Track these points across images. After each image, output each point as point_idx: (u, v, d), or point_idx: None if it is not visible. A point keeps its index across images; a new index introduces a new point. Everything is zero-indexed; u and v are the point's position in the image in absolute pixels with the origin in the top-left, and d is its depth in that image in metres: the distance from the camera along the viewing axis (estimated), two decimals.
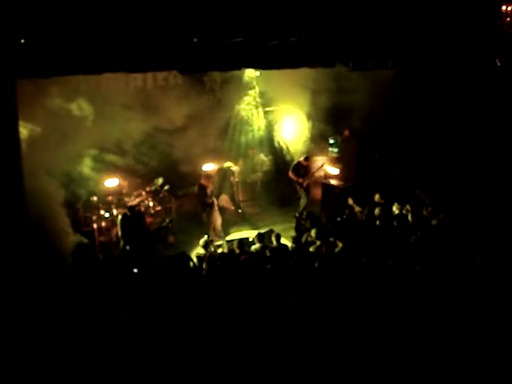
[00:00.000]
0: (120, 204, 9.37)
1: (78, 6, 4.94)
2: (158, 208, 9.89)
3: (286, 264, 5.91)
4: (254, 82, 11.86)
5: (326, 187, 11.15)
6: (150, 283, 5.79)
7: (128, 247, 8.19)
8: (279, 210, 11.27)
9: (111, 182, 9.40)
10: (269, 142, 12.47)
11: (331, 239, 6.72)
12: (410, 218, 7.56)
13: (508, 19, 7.19)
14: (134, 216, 8.28)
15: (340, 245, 6.54)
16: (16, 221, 5.84)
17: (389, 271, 5.53)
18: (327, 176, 11.25)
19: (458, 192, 8.88)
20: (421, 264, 5.67)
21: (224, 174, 10.73)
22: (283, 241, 7.48)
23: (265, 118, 12.34)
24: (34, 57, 5.48)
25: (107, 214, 9.18)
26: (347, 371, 4.28)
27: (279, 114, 12.36)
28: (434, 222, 7.29)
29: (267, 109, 12.30)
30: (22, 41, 5.23)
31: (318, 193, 11.50)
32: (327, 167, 11.16)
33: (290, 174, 10.70)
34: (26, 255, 5.86)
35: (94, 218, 9.09)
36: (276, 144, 12.51)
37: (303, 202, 10.61)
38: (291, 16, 6.03)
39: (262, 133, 12.37)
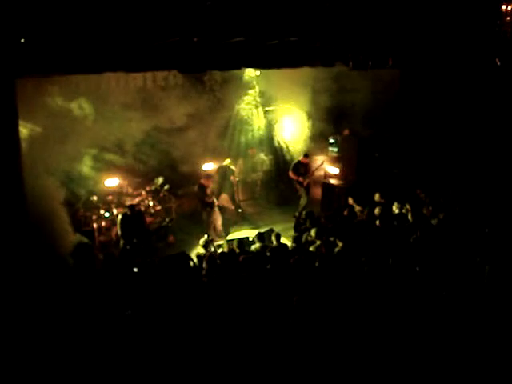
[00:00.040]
0: (120, 203, 9.37)
1: (78, 6, 4.94)
2: (158, 207, 9.90)
3: (285, 263, 5.91)
4: (254, 82, 11.86)
5: (326, 187, 11.15)
6: (150, 283, 5.79)
7: (128, 247, 8.20)
8: (279, 210, 11.29)
9: (111, 182, 9.40)
10: (269, 142, 12.49)
11: (331, 239, 6.71)
12: (409, 217, 7.56)
13: (508, 18, 7.18)
14: (134, 215, 8.29)
15: (340, 244, 6.53)
16: (16, 220, 5.85)
17: (389, 271, 5.53)
18: (327, 175, 11.23)
19: (457, 192, 8.88)
20: (421, 263, 5.67)
21: (224, 173, 10.72)
22: (283, 240, 7.49)
23: (265, 117, 12.35)
24: (33, 56, 5.47)
25: (107, 214, 9.18)
26: (347, 371, 4.28)
27: (279, 113, 12.36)
28: (433, 222, 7.29)
29: (267, 108, 12.30)
30: (22, 40, 5.23)
31: (317, 192, 11.50)
32: (327, 167, 11.15)
33: (290, 173, 10.69)
34: (26, 255, 5.87)
35: (94, 217, 9.09)
36: (276, 143, 12.51)
37: (303, 201, 10.61)
38: (291, 16, 6.02)
39: (261, 132, 12.39)
